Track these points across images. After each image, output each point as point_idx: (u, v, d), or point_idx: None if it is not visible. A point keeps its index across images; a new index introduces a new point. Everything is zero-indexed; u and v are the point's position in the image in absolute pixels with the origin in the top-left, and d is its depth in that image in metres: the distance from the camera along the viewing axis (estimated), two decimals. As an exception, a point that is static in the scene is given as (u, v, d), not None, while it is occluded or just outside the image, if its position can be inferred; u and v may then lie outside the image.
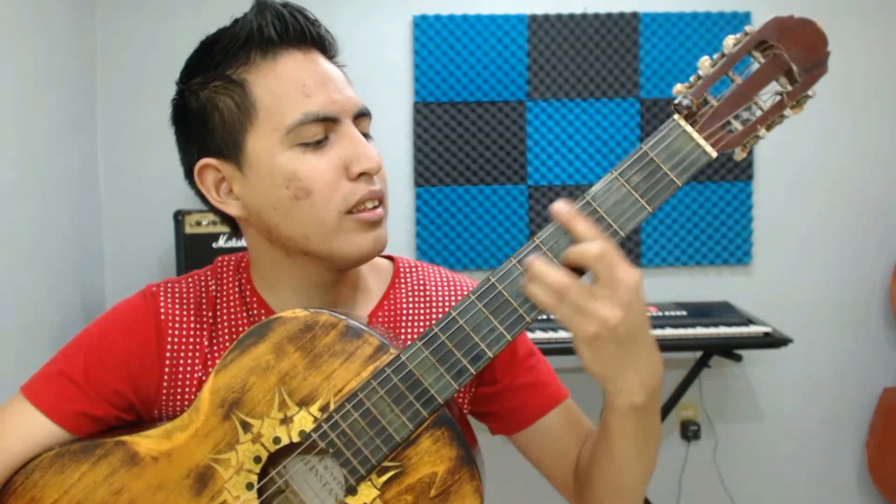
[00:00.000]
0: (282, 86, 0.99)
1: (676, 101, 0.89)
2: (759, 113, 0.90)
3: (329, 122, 1.00)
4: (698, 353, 3.13)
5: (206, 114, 1.03)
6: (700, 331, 2.91)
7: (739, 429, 3.46)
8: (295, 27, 1.01)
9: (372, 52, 3.24)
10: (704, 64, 0.90)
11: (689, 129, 0.89)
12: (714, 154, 0.89)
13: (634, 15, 3.31)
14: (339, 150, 1.00)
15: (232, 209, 1.06)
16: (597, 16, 3.31)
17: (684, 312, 3.06)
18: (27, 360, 2.36)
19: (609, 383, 0.91)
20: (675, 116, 0.90)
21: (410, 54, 3.29)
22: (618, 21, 3.31)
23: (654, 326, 2.90)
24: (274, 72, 1.00)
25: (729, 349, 2.97)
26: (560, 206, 0.88)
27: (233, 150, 1.02)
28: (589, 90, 3.31)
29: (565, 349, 2.62)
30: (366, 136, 1.05)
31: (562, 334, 2.82)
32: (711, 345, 2.93)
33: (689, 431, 3.39)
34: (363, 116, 1.05)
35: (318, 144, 0.99)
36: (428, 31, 3.26)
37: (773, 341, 2.86)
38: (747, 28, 0.90)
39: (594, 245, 0.85)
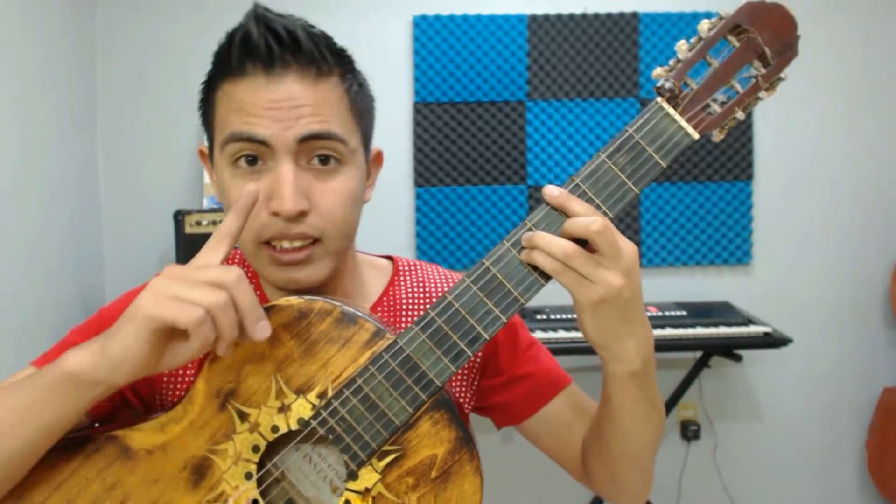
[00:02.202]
0: (229, 106, 0.99)
1: (659, 85, 0.92)
2: (735, 95, 0.93)
3: (260, 145, 0.97)
4: (698, 353, 3.14)
5: (206, 115, 1.07)
6: (700, 331, 2.91)
7: (739, 429, 3.46)
8: (257, 50, 0.97)
9: (372, 52, 3.24)
10: (682, 48, 0.92)
11: (671, 111, 0.91)
12: (696, 136, 0.92)
13: (634, 15, 3.32)
14: (267, 182, 0.98)
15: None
16: (597, 16, 3.31)
17: (684, 312, 3.06)
18: (27, 360, 2.34)
19: (607, 351, 0.94)
20: (658, 99, 0.92)
21: (410, 54, 3.30)
22: (618, 21, 3.31)
23: (654, 326, 2.87)
24: (230, 94, 0.99)
25: (729, 349, 2.97)
26: (552, 189, 0.90)
27: (210, 151, 1.07)
28: (589, 90, 3.31)
29: (565, 349, 2.62)
30: (332, 165, 1.01)
31: (562, 334, 2.82)
32: (711, 345, 2.93)
33: (689, 431, 3.39)
34: (322, 139, 0.99)
35: (253, 171, 0.99)
36: (428, 31, 3.26)
37: (773, 341, 2.86)
38: (722, 12, 0.92)
39: (596, 220, 0.87)
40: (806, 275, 3.42)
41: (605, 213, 0.90)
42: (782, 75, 0.93)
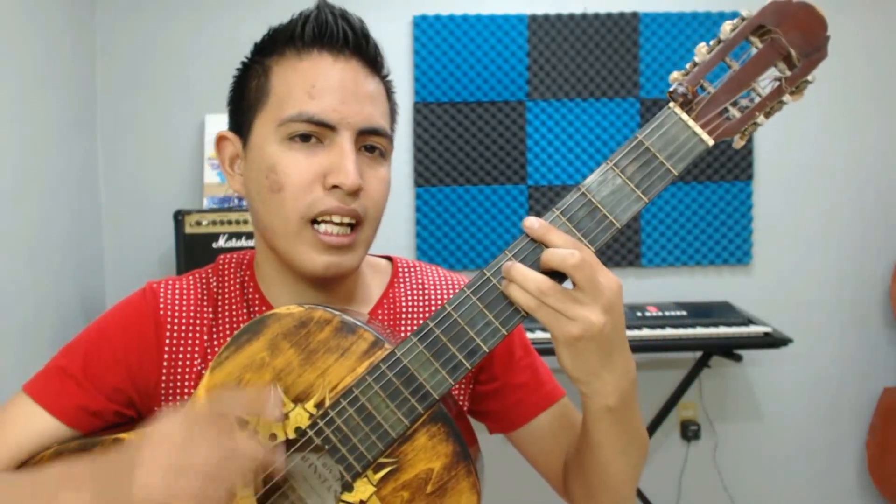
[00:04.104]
0: (294, 80, 1.02)
1: (672, 89, 0.88)
2: (757, 99, 0.89)
3: (324, 127, 1.00)
4: (698, 353, 3.14)
5: (243, 89, 1.08)
6: (700, 331, 2.91)
7: (739, 429, 3.46)
8: (332, 33, 1.03)
9: (372, 52, 3.23)
10: (701, 50, 0.88)
11: (684, 116, 0.88)
12: (711, 142, 0.88)
13: (634, 15, 3.31)
14: (326, 158, 1.01)
15: (235, 183, 1.11)
16: (597, 16, 3.31)
17: (684, 312, 3.06)
18: (27, 360, 2.36)
19: (584, 385, 0.91)
20: (671, 104, 0.89)
21: (410, 54, 3.29)
22: (618, 21, 3.31)
23: (654, 326, 2.90)
24: (295, 67, 1.03)
25: (729, 349, 2.97)
26: (532, 222, 0.88)
27: (245, 128, 1.07)
28: (589, 90, 3.31)
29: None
30: (380, 152, 1.06)
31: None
32: (711, 345, 2.93)
33: (689, 431, 3.39)
34: (375, 135, 1.04)
35: (309, 146, 1.01)
36: (428, 31, 3.26)
37: (773, 341, 2.86)
38: (744, 13, 0.88)
39: (574, 253, 0.84)
40: (806, 275, 3.42)
41: (611, 224, 0.88)
42: (809, 78, 0.89)
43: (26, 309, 2.45)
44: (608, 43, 3.31)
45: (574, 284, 0.85)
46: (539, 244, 0.88)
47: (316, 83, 1.01)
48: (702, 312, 3.09)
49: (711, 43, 0.89)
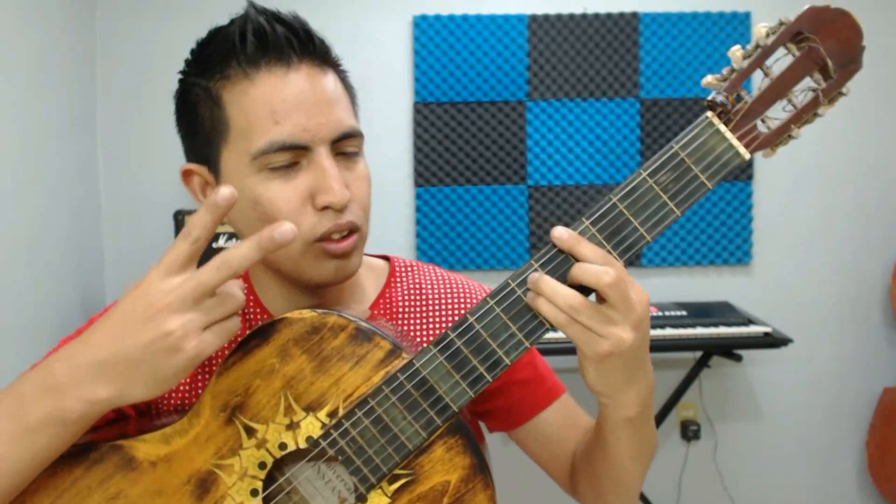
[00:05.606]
0: (253, 109, 0.96)
1: (710, 98, 0.84)
2: (792, 110, 0.85)
3: (299, 149, 0.96)
4: (698, 353, 3.14)
5: (193, 116, 1.02)
6: (700, 331, 2.90)
7: (739, 429, 3.46)
8: (276, 43, 0.96)
9: (372, 52, 3.23)
10: (736, 55, 0.84)
11: (722, 128, 0.84)
12: (747, 155, 0.84)
13: (634, 15, 3.31)
14: (308, 179, 0.97)
15: None
16: (597, 16, 3.30)
17: (684, 312, 3.06)
18: (27, 360, 2.34)
19: (607, 398, 0.91)
20: (709, 114, 0.84)
21: (410, 54, 3.29)
22: (618, 21, 3.30)
23: (654, 326, 2.90)
24: (248, 93, 0.97)
25: (729, 349, 2.96)
26: (560, 232, 0.85)
27: (212, 159, 1.01)
28: (589, 90, 3.30)
29: (566, 349, 2.61)
30: (354, 154, 1.03)
31: (562, 334, 2.80)
32: (711, 345, 2.93)
33: (689, 431, 3.39)
34: (348, 138, 1.00)
35: (287, 171, 0.97)
36: (428, 31, 3.25)
37: (773, 341, 2.86)
38: (782, 18, 0.84)
39: (608, 271, 0.82)
40: (806, 275, 3.42)
41: (642, 237, 0.85)
42: (843, 90, 0.84)
43: (26, 309, 2.45)
44: (608, 43, 3.30)
45: (604, 300, 0.83)
46: (567, 255, 0.85)
47: (276, 106, 0.95)
48: (702, 312, 3.08)
49: (748, 48, 0.84)
